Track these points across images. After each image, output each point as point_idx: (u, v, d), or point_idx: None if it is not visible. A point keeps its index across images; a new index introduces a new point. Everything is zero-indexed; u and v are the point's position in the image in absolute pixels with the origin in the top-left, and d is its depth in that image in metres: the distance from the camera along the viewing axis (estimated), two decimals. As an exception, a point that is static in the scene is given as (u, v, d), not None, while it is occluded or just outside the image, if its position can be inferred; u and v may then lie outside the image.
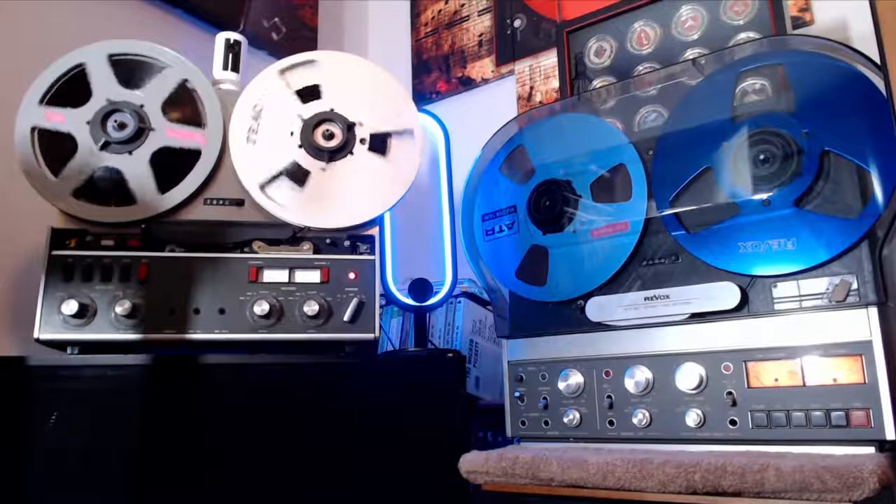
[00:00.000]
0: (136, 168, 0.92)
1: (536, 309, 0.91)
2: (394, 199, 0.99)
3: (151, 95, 0.95)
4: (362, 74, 1.03)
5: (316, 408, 0.90)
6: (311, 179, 0.97)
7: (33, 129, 0.91)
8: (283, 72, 1.00)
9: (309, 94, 1.00)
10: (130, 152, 0.92)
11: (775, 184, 0.75)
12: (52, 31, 1.26)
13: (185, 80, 0.96)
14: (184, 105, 0.98)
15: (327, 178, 0.97)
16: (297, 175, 0.97)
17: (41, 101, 0.92)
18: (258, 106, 0.98)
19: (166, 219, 0.94)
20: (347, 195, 0.97)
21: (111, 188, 0.92)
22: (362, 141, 0.99)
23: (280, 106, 0.99)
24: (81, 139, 0.91)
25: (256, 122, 0.97)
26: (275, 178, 0.96)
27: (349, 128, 0.99)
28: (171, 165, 0.94)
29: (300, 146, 0.97)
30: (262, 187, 0.95)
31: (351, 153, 0.98)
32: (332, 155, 0.98)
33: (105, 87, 0.94)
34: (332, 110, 0.99)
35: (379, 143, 1.00)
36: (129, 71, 0.96)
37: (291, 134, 0.98)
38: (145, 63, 0.97)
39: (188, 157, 0.95)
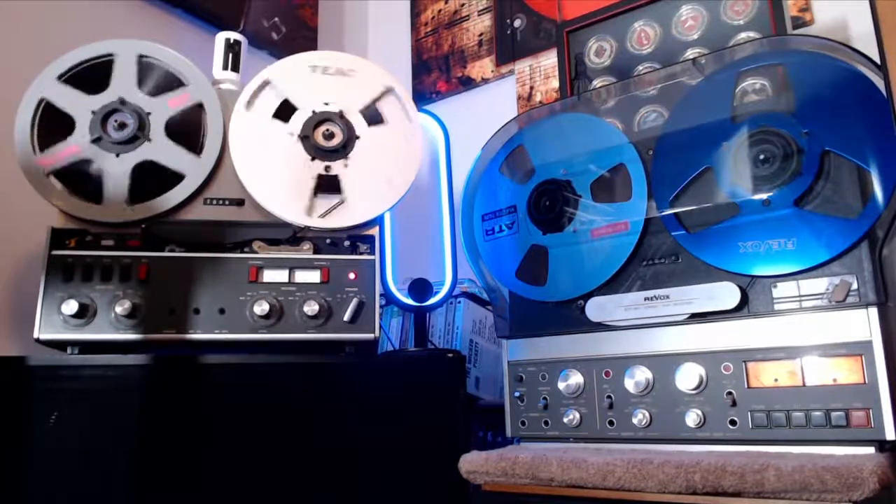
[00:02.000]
0: (116, 172, 0.92)
1: (536, 309, 0.91)
2: (394, 199, 0.99)
3: (161, 108, 0.95)
4: (316, 69, 1.02)
5: (316, 408, 0.90)
6: (298, 173, 0.97)
7: (41, 102, 0.91)
8: (248, 106, 0.98)
9: (285, 111, 0.99)
10: (118, 154, 0.92)
11: (775, 184, 0.75)
12: (52, 31, 1.26)
13: (200, 104, 0.96)
14: (188, 122, 0.97)
15: (312, 176, 0.97)
16: (286, 166, 0.97)
17: (60, 77, 0.92)
18: (273, 87, 0.98)
19: (166, 219, 0.94)
20: (349, 194, 0.97)
21: (87, 181, 0.92)
22: (358, 124, 0.99)
23: (268, 137, 0.98)
24: (80, 126, 0.92)
25: (265, 102, 0.97)
26: (278, 180, 0.96)
27: (341, 117, 0.98)
28: (155, 176, 0.93)
29: (298, 137, 0.97)
30: (266, 190, 0.95)
31: (357, 138, 0.98)
32: (326, 154, 0.98)
33: (123, 83, 0.94)
34: (340, 112, 0.99)
35: (373, 115, 1.00)
36: (148, 74, 0.96)
37: (291, 135, 0.98)
38: (160, 69, 0.97)
39: (171, 176, 0.94)
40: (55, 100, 0.92)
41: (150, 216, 0.93)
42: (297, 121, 0.98)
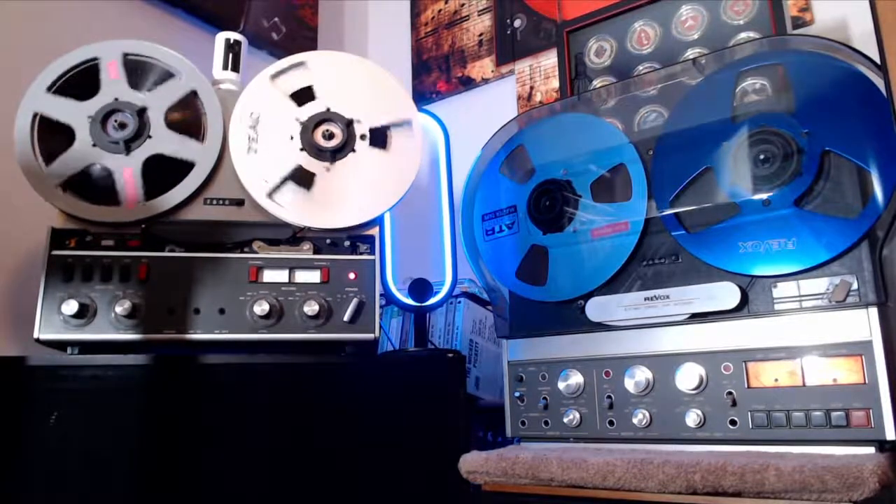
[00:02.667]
0: (127, 170, 0.92)
1: (536, 309, 0.91)
2: (395, 199, 0.99)
3: (157, 101, 0.95)
4: (354, 71, 1.03)
5: (316, 408, 0.90)
6: (317, 181, 0.97)
7: (35, 116, 0.91)
8: (273, 77, 1.00)
9: (303, 96, 1.00)
10: (125, 154, 0.92)
11: (775, 184, 0.75)
12: (52, 31, 1.26)
13: (194, 91, 0.96)
14: (186, 111, 0.97)
15: (333, 178, 0.97)
16: (303, 178, 0.97)
17: (49, 89, 0.92)
18: (255, 114, 0.98)
19: (166, 219, 0.94)
20: (349, 195, 0.97)
21: (102, 186, 0.92)
22: (363, 137, 0.99)
23: (276, 111, 0.98)
24: (80, 133, 0.92)
25: (255, 131, 0.97)
26: (281, 184, 0.96)
27: (348, 125, 0.99)
28: (166, 171, 0.94)
29: (302, 149, 0.97)
30: (270, 195, 0.95)
31: (353, 150, 0.99)
32: (335, 154, 0.98)
33: (114, 85, 0.94)
34: (328, 110, 0.99)
35: (379, 138, 1.00)
36: (138, 72, 0.96)
37: (291, 138, 0.98)
38: (156, 66, 0.97)
39: (182, 166, 0.94)
40: (49, 112, 0.92)
41: (150, 216, 0.93)
42: (309, 110, 0.98)
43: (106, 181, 0.92)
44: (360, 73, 1.03)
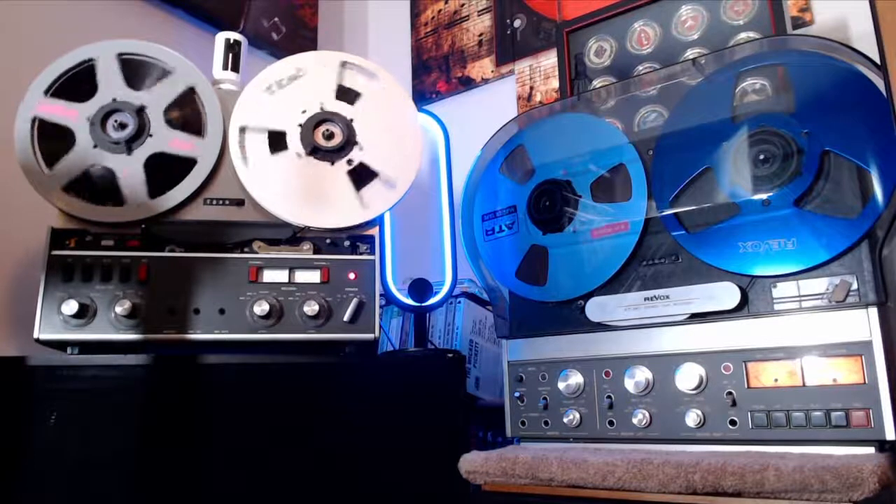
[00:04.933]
0: (129, 170, 0.92)
1: (536, 309, 0.91)
2: (394, 199, 0.99)
3: (156, 99, 0.95)
4: (351, 70, 1.02)
5: (316, 408, 0.90)
6: (318, 181, 0.97)
7: (34, 120, 0.91)
8: (268, 86, 0.99)
9: (300, 98, 0.99)
10: (126, 153, 0.92)
11: (775, 184, 0.75)
12: (52, 31, 1.26)
13: (192, 88, 0.96)
14: (185, 109, 0.97)
15: (333, 178, 0.97)
16: (303, 178, 0.97)
17: (46, 92, 0.92)
18: (254, 115, 0.98)
19: (166, 219, 0.94)
20: (350, 194, 0.97)
21: (103, 187, 0.92)
22: (362, 132, 0.99)
23: (275, 113, 0.98)
24: (80, 135, 0.91)
25: (255, 130, 0.97)
26: (279, 182, 0.96)
27: (348, 125, 0.99)
28: (167, 169, 0.94)
29: (302, 150, 0.97)
30: (271, 196, 0.95)
31: (356, 144, 0.98)
32: (335, 154, 0.98)
33: (111, 85, 0.94)
34: (322, 109, 0.99)
35: (379, 136, 1.00)
36: (135, 71, 0.96)
37: (291, 139, 0.98)
38: (152, 65, 0.97)
39: (184, 163, 0.94)
40: (48, 116, 0.91)
41: (150, 216, 0.93)
42: (294, 140, 0.97)
43: (108, 181, 0.92)
44: (357, 72, 1.02)
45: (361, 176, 0.99)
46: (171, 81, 0.96)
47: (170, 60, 0.97)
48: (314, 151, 0.97)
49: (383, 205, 0.98)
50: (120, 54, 0.95)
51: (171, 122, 0.95)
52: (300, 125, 0.98)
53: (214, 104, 0.97)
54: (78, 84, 0.93)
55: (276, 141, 0.98)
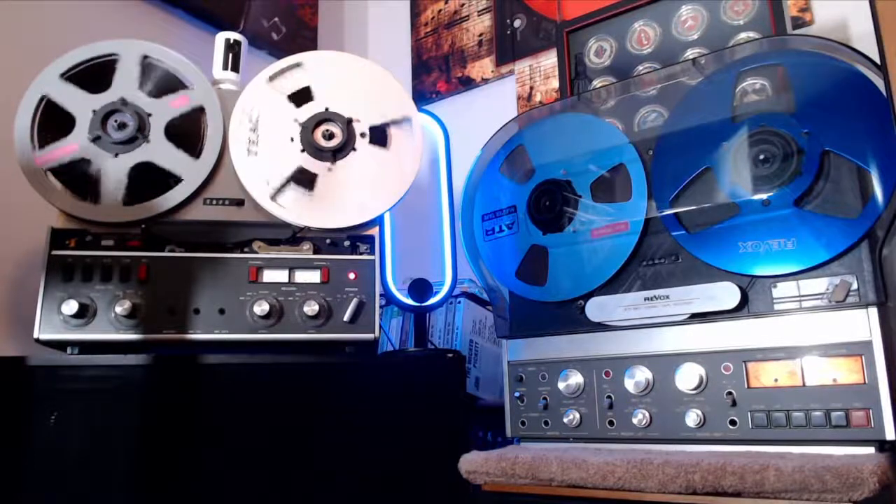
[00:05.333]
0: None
1: (536, 309, 0.91)
2: (395, 199, 0.99)
3: (163, 110, 0.95)
4: (350, 70, 1.03)
5: (316, 408, 0.90)
6: (319, 181, 0.97)
7: (42, 98, 0.92)
8: (271, 79, 1.00)
9: (301, 97, 1.00)
10: (116, 154, 0.92)
11: (775, 184, 0.75)
12: (52, 31, 1.26)
13: (202, 108, 0.96)
14: (188, 123, 0.97)
15: (333, 178, 0.97)
16: (304, 179, 0.97)
17: (62, 75, 0.93)
18: (254, 116, 0.98)
19: (166, 219, 0.94)
20: (353, 194, 0.97)
21: (86, 181, 0.92)
22: (363, 135, 0.99)
23: (275, 113, 0.98)
24: (80, 125, 0.92)
25: (255, 133, 0.97)
26: (283, 186, 0.96)
27: (348, 124, 0.99)
28: (151, 178, 0.93)
29: (302, 150, 0.97)
30: (273, 198, 0.95)
31: (353, 150, 0.99)
32: (336, 154, 0.98)
33: (125, 84, 0.94)
34: (327, 109, 0.99)
35: (379, 136, 1.00)
36: (148, 74, 0.96)
37: (292, 140, 0.98)
38: (167, 73, 0.97)
39: (168, 178, 0.94)
40: (56, 97, 0.92)
41: (150, 216, 0.93)
42: (307, 111, 0.98)
43: (93, 177, 0.92)
44: (357, 72, 1.02)
45: (356, 178, 0.98)
46: (181, 95, 0.96)
47: (188, 74, 0.97)
48: (313, 150, 0.97)
49: (380, 207, 0.98)
50: (145, 56, 0.95)
51: (169, 133, 0.94)
52: (301, 124, 0.98)
53: (218, 125, 0.96)
54: (93, 76, 0.94)
55: (276, 137, 0.98)
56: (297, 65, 1.01)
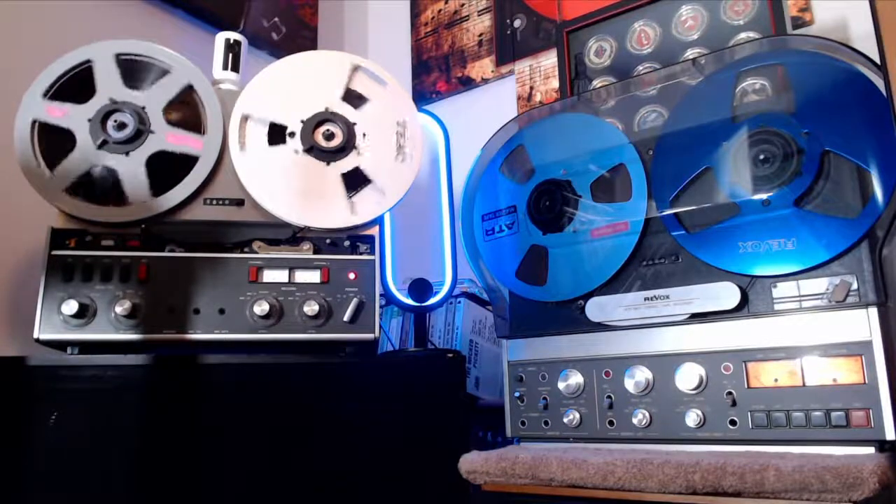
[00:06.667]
0: (131, 169, 0.92)
1: (536, 309, 0.91)
2: (394, 199, 0.99)
3: (154, 98, 0.95)
4: (353, 71, 1.02)
5: (316, 408, 0.90)
6: (316, 181, 0.97)
7: (34, 123, 0.91)
8: (274, 76, 1.00)
9: (304, 95, 1.00)
10: (127, 153, 0.92)
11: (775, 184, 0.75)
12: (52, 31, 1.26)
13: (190, 85, 0.96)
14: (185, 107, 0.97)
15: (332, 178, 0.97)
16: (302, 178, 0.97)
17: (45, 95, 0.92)
18: (256, 111, 0.98)
19: (166, 219, 0.94)
20: (341, 197, 0.97)
21: (106, 187, 0.92)
22: (363, 137, 0.99)
23: (278, 110, 0.98)
24: (81, 136, 0.91)
25: (255, 128, 0.97)
26: (277, 181, 0.96)
27: (349, 126, 0.99)
28: (168, 167, 0.94)
29: (302, 149, 0.97)
30: (269, 195, 0.95)
31: (354, 149, 0.98)
32: (335, 155, 0.98)
33: (109, 85, 0.94)
34: (328, 110, 0.99)
35: (379, 138, 1.00)
36: (133, 71, 0.96)
37: (292, 136, 0.98)
38: (150, 64, 0.97)
39: (186, 161, 0.94)
40: (48, 119, 0.91)
41: (150, 216, 0.93)
42: (294, 136, 0.98)
43: (110, 182, 0.92)
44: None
45: (355, 180, 0.98)
46: (168, 80, 0.96)
47: (167, 59, 0.97)
48: (312, 150, 0.97)
49: (372, 212, 0.98)
50: (117, 55, 0.95)
51: (171, 122, 0.95)
52: (302, 121, 0.98)
53: (213, 101, 0.96)
54: (76, 86, 0.93)
55: (277, 134, 0.98)
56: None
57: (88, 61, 0.94)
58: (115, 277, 0.90)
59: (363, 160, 0.99)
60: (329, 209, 0.97)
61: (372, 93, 1.02)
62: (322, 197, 0.97)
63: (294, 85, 1.00)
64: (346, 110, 0.99)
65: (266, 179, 0.96)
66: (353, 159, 0.98)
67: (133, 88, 0.95)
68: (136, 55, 0.96)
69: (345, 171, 0.98)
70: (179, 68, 0.96)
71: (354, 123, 0.99)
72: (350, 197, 0.98)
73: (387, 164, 1.00)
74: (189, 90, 0.96)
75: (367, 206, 0.98)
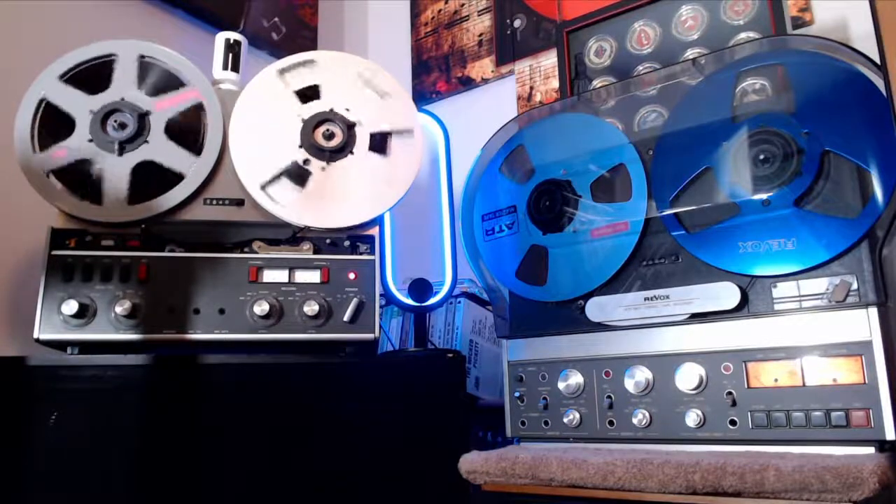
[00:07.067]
0: (116, 172, 0.92)
1: (536, 309, 0.91)
2: (394, 199, 0.99)
3: (124, 86, 0.94)
4: (361, 74, 1.02)
5: (316, 408, 0.90)
6: (312, 179, 0.97)
7: (41, 101, 0.92)
8: (282, 72, 1.00)
9: (308, 94, 1.00)
10: (117, 154, 0.92)
11: (775, 184, 0.75)
12: (52, 31, 1.26)
13: (200, 105, 0.96)
14: (188, 121, 0.97)
15: (328, 178, 0.98)
16: (298, 175, 0.97)
17: (61, 77, 0.93)
18: (258, 107, 0.98)
19: (166, 219, 0.94)
20: (348, 195, 0.97)
21: (88, 182, 0.92)
22: (363, 140, 0.99)
23: (280, 106, 0.98)
24: (80, 127, 0.92)
25: (256, 123, 0.97)
26: (276, 178, 0.96)
27: (349, 127, 0.99)
28: (154, 177, 0.93)
29: (300, 146, 0.97)
30: (263, 187, 0.95)
31: (352, 153, 0.99)
32: (333, 155, 0.98)
33: (124, 84, 0.94)
34: (331, 110, 0.99)
35: (380, 143, 1.00)
36: (146, 74, 0.96)
37: (292, 134, 0.98)
38: (166, 72, 0.97)
39: (171, 176, 0.94)
40: (55, 99, 0.92)
41: (150, 216, 0.92)
42: (293, 132, 0.98)
43: (95, 178, 0.92)
44: (366, 77, 1.02)
45: (347, 183, 0.98)
46: (182, 94, 0.96)
47: (186, 72, 0.97)
48: (311, 149, 0.97)
49: (368, 213, 0.98)
50: (142, 55, 0.96)
51: (169, 131, 0.94)
52: (303, 120, 0.98)
53: (218, 123, 0.96)
54: (92, 77, 0.94)
55: (277, 130, 0.98)
56: (310, 62, 1.01)
57: (112, 55, 0.95)
58: (115, 277, 0.90)
59: (360, 162, 0.99)
60: (328, 209, 0.97)
61: (377, 97, 1.02)
62: (322, 197, 0.97)
63: (300, 80, 1.01)
64: (348, 112, 0.99)
65: (263, 172, 0.95)
66: (352, 160, 0.98)
67: (102, 91, 0.94)
68: (159, 61, 0.96)
69: (341, 171, 0.98)
70: (195, 84, 0.96)
71: (356, 125, 0.99)
72: (347, 197, 0.98)
73: (385, 166, 1.00)
74: (198, 108, 0.96)
75: (363, 206, 0.98)
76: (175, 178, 0.94)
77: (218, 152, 0.95)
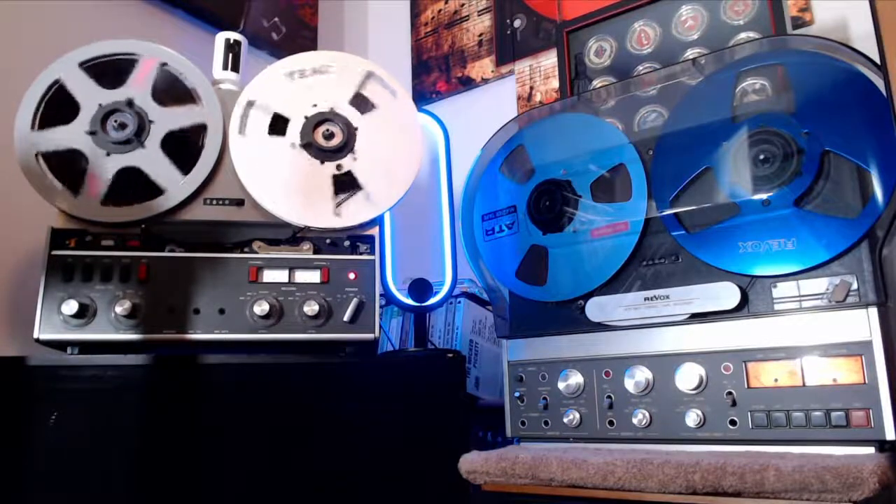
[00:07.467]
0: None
1: (536, 309, 0.91)
2: (394, 199, 0.99)
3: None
4: (362, 75, 1.02)
5: (316, 408, 0.90)
6: (313, 179, 0.97)
7: (55, 82, 0.92)
8: (287, 74, 1.00)
9: (309, 93, 1.00)
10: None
11: (775, 184, 0.75)
12: (52, 31, 1.26)
13: (164, 64, 0.96)
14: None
15: (316, 177, 0.97)
16: (299, 175, 0.97)
17: (81, 64, 0.93)
18: (258, 106, 0.98)
19: (166, 219, 0.94)
20: (327, 198, 0.97)
21: (136, 186, 0.92)
22: (363, 140, 0.99)
23: (280, 106, 0.98)
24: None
25: (257, 122, 0.97)
26: (276, 178, 0.96)
27: (349, 127, 0.99)
28: (135, 183, 0.93)
29: (300, 146, 0.97)
30: (263, 187, 0.95)
31: (352, 152, 0.98)
32: (333, 154, 0.98)
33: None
34: (331, 110, 0.99)
35: (380, 141, 1.00)
36: (113, 72, 0.95)
37: (293, 145, 0.97)
38: (122, 60, 0.96)
39: (151, 187, 0.93)
40: (69, 83, 0.92)
41: (150, 216, 0.92)
42: (294, 130, 0.98)
43: (81, 170, 0.91)
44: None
45: (345, 184, 0.98)
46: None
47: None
48: (309, 146, 0.97)
49: (356, 218, 0.97)
50: (163, 63, 0.96)
51: (166, 142, 0.94)
52: (306, 117, 0.98)
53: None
54: (110, 71, 0.94)
55: (278, 125, 0.98)
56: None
57: (135, 55, 0.95)
58: (115, 277, 0.90)
59: (358, 165, 0.98)
60: (327, 209, 0.97)
61: (380, 100, 1.02)
62: (322, 197, 0.97)
63: (305, 82, 1.00)
64: (351, 113, 0.99)
65: (258, 163, 0.96)
66: (348, 163, 0.98)
67: (115, 87, 0.94)
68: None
69: (338, 172, 0.98)
70: (206, 106, 0.96)
71: (357, 127, 0.99)
72: (336, 199, 0.97)
73: (381, 173, 0.99)
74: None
75: (351, 211, 0.98)
76: (155, 191, 0.93)
77: (218, 152, 0.95)
